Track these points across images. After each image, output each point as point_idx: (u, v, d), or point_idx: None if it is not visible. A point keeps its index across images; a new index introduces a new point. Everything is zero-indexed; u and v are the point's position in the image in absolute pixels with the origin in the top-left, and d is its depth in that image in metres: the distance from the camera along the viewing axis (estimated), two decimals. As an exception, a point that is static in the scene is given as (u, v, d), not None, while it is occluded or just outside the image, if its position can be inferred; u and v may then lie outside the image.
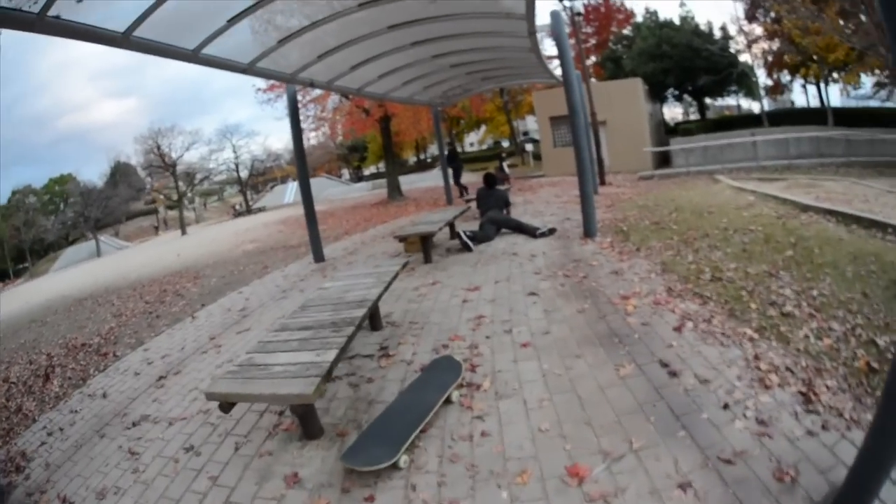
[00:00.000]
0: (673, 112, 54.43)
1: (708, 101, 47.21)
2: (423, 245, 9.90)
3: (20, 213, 73.91)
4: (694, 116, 50.34)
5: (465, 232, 10.29)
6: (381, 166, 71.11)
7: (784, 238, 8.34)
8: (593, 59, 45.59)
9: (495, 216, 11.14)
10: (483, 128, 63.65)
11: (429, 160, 72.11)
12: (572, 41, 37.51)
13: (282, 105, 31.86)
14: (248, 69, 8.97)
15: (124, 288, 17.73)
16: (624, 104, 27.61)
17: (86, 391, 7.22)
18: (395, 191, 31.01)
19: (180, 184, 59.23)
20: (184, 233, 49.77)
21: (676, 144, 27.67)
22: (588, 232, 9.74)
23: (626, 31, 45.72)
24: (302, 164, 12.59)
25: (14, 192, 78.36)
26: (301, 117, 30.75)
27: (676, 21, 40.98)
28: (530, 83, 28.57)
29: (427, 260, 9.86)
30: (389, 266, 7.32)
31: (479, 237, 10.53)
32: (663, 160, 27.78)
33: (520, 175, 32.06)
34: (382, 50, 10.85)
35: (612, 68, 43.14)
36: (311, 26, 8.55)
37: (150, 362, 7.64)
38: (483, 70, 15.18)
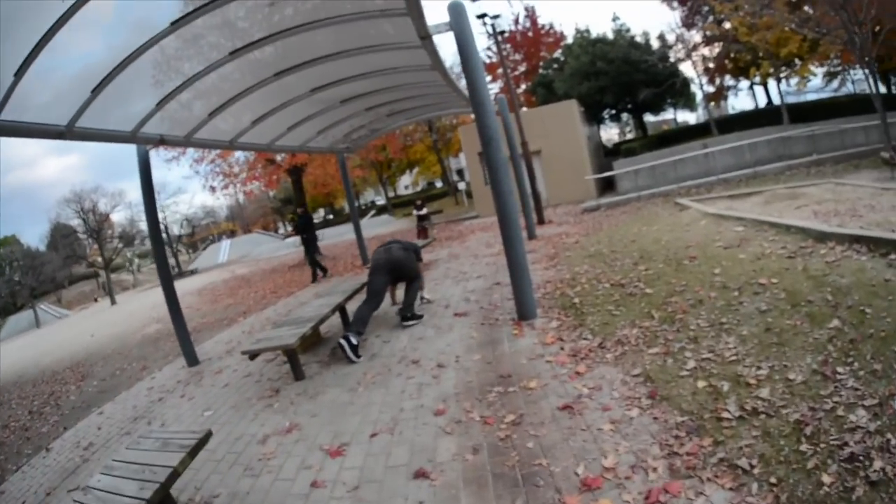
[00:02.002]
0: (609, 133, 52.70)
1: (647, 117, 45.10)
2: (288, 359, 7.17)
3: (-40, 278, 71.19)
4: (632, 135, 48.55)
5: (347, 338, 7.32)
6: (318, 216, 69.66)
7: (815, 294, 5.45)
8: (523, 86, 43.63)
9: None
10: (416, 169, 62.31)
11: (364, 206, 70.15)
12: (499, 71, 35.93)
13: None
14: (130, 138, 8.16)
15: (29, 381, 16.30)
16: (559, 130, 24.92)
17: None
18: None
19: (117, 245, 57.44)
20: (113, 302, 47.09)
21: (621, 167, 24.38)
22: (523, 313, 6.94)
23: (557, 55, 43.07)
24: (158, 241, 10.49)
25: None
26: (207, 176, 29.03)
27: (610, 36, 38.41)
28: (449, 114, 25.50)
29: (297, 376, 7.16)
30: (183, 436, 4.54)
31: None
32: (607, 186, 25.15)
33: (451, 218, 29.58)
34: (264, 99, 9.48)
35: (544, 94, 40.11)
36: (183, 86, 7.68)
37: None
38: (385, 104, 12.38)
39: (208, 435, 4.44)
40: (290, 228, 49.01)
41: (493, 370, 5.47)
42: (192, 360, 10.01)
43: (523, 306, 6.93)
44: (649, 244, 9.47)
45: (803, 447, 3.22)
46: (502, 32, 23.50)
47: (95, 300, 64.54)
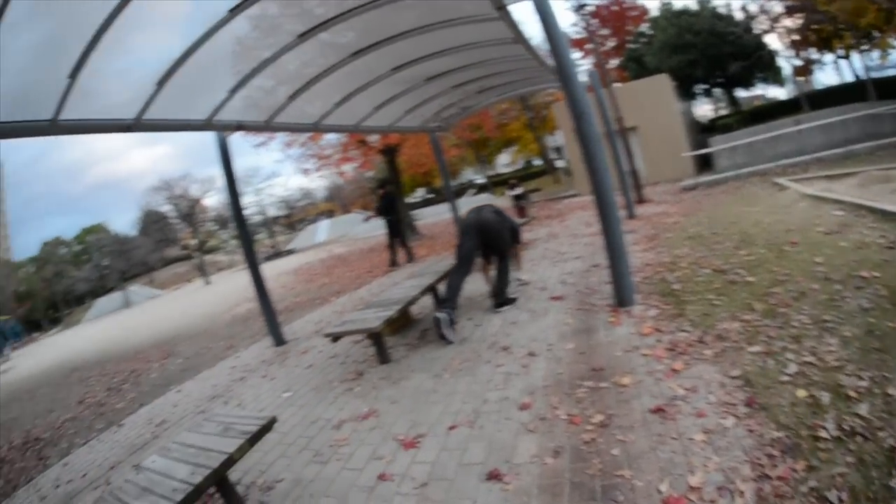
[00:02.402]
0: (702, 109, 50.82)
1: (738, 92, 43.00)
2: (373, 342, 6.91)
3: (50, 265, 74.55)
4: (725, 111, 46.71)
5: (445, 313, 6.88)
6: (417, 196, 69.50)
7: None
8: (615, 62, 42.47)
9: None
10: (513, 148, 61.53)
11: (463, 186, 69.58)
12: (588, 46, 34.91)
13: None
14: (205, 126, 8.40)
15: (112, 359, 16.78)
16: (654, 105, 23.79)
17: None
18: (407, 229, 27.41)
19: (211, 228, 58.77)
20: (207, 283, 48.57)
21: (718, 143, 22.72)
22: (621, 299, 6.38)
23: (644, 28, 41.53)
24: (242, 224, 10.07)
25: (45, 244, 79.22)
26: (299, 159, 29.08)
27: (694, 7, 36.69)
28: (540, 90, 24.28)
29: (383, 360, 6.88)
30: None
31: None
32: (704, 164, 23.75)
33: (550, 196, 28.73)
34: (345, 80, 9.27)
35: (635, 68, 38.86)
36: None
37: (44, 497, 6.22)
38: (473, 81, 11.91)
39: (272, 422, 4.26)
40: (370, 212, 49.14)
41: (586, 362, 5.01)
42: (279, 339, 9.90)
43: (621, 292, 6.39)
44: (750, 227, 8.77)
45: (893, 483, 2.77)
46: (584, 5, 22.51)
47: (190, 280, 66.60)
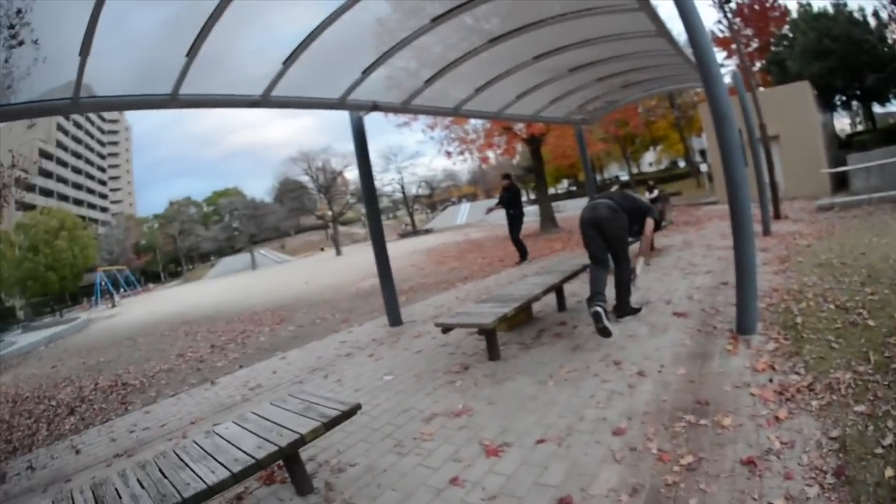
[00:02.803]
0: (841, 122, 48.10)
1: (875, 107, 39.42)
2: (485, 337, 6.78)
3: (176, 223, 77.48)
4: (862, 126, 43.99)
5: (599, 307, 6.45)
6: (561, 188, 68.94)
7: None
8: (758, 64, 40.74)
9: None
10: (659, 147, 60.46)
11: (608, 181, 68.43)
12: (733, 46, 33.45)
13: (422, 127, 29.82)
14: (338, 104, 8.57)
15: (224, 317, 17.85)
16: (794, 115, 22.39)
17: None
18: (547, 221, 27.61)
19: (349, 200, 60.02)
20: (338, 253, 50.83)
21: (854, 162, 20.50)
22: (742, 326, 5.98)
23: (786, 30, 38.87)
24: (372, 202, 10.28)
25: (171, 203, 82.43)
26: (442, 141, 29.20)
27: (830, 10, 33.83)
28: (685, 88, 22.86)
29: (492, 356, 6.73)
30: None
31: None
32: (840, 183, 22.00)
33: (690, 201, 27.93)
34: (485, 66, 9.23)
35: (778, 73, 36.45)
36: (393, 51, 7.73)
37: (114, 439, 6.65)
38: (617, 74, 11.59)
39: (355, 409, 4.25)
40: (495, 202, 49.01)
41: (693, 392, 4.74)
42: (396, 319, 10.01)
43: (744, 318, 5.99)
44: (878, 261, 8.09)
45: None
46: (728, 1, 21.33)
47: (322, 249, 68.93)
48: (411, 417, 5.36)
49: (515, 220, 15.71)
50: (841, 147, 30.08)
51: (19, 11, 4.99)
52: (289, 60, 6.78)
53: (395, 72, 8.53)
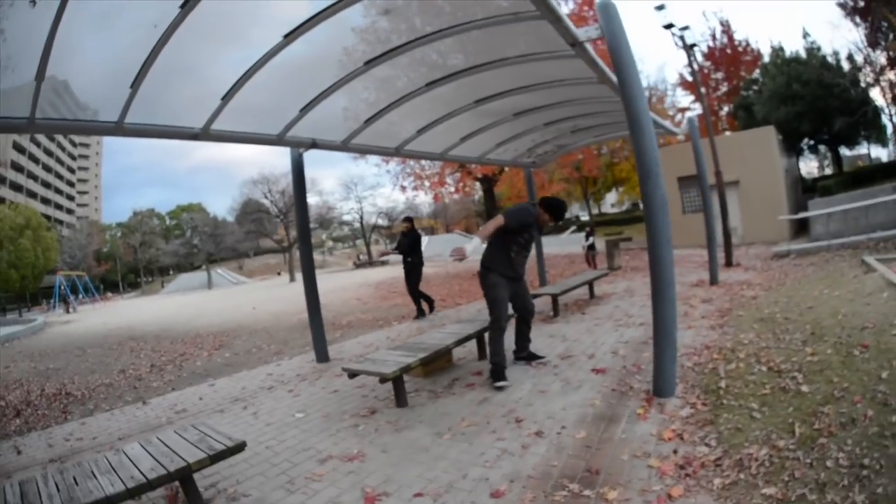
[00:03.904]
0: (808, 166, 48.76)
1: (842, 150, 40.61)
2: (393, 386, 6.79)
3: (138, 234, 77.49)
4: (829, 170, 44.56)
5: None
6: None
7: None
8: (726, 108, 41.29)
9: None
10: (621, 188, 61.10)
11: (568, 222, 69.05)
12: (703, 90, 33.75)
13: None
14: (276, 141, 8.71)
15: (170, 336, 18.11)
16: (757, 160, 22.76)
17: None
18: None
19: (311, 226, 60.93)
20: (292, 279, 51.41)
21: (815, 207, 20.55)
22: (659, 388, 5.78)
23: (756, 75, 39.91)
24: (305, 239, 10.36)
25: (135, 213, 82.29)
26: (397, 175, 29.38)
27: (803, 55, 34.91)
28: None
29: (399, 403, 6.76)
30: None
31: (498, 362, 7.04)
32: (801, 227, 22.39)
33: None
34: (426, 108, 9.34)
35: (745, 117, 37.42)
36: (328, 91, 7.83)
37: (51, 445, 7.03)
38: (565, 119, 11.52)
39: (241, 446, 4.61)
40: (390, 246, 48.49)
41: (586, 459, 4.52)
42: (323, 356, 10.04)
43: (660, 381, 5.78)
44: (826, 316, 7.82)
45: None
46: (693, 45, 21.38)
47: (278, 273, 69.69)
48: (309, 457, 5.48)
49: (414, 269, 13.94)
50: (805, 191, 30.47)
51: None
52: (227, 97, 6.93)
53: (334, 110, 8.56)
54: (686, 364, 6.50)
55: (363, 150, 10.73)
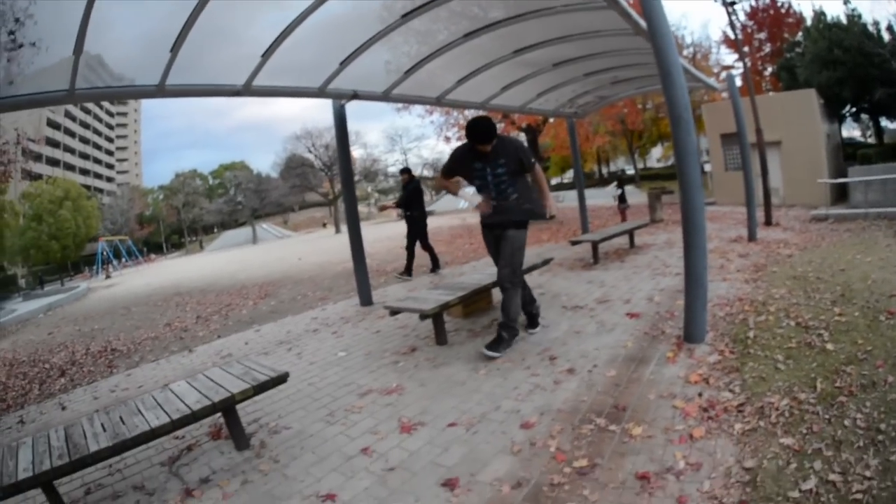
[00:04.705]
0: (851, 134, 47.36)
1: (883, 122, 38.90)
2: (434, 323, 6.94)
3: (180, 195, 77.74)
4: (872, 140, 43.35)
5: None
6: (567, 177, 68.58)
7: None
8: (770, 69, 40.31)
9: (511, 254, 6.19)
10: (666, 143, 60.25)
11: (612, 175, 67.96)
12: (746, 48, 33.06)
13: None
14: (317, 93, 8.79)
15: (215, 290, 18.26)
16: (798, 122, 22.06)
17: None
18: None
19: (355, 179, 61.01)
20: (337, 231, 51.64)
21: (855, 175, 19.64)
22: (689, 334, 5.79)
23: (799, 37, 38.11)
24: (349, 187, 10.33)
25: (177, 175, 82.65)
26: (441, 127, 29.14)
27: (844, 21, 32.92)
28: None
29: (439, 341, 6.94)
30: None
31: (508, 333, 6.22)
32: (841, 194, 21.47)
33: None
34: (465, 59, 9.37)
35: (787, 79, 36.14)
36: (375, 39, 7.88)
37: (96, 397, 7.12)
38: (604, 70, 11.49)
39: (284, 376, 4.66)
40: (389, 200, 47.43)
41: (614, 396, 4.60)
42: (367, 300, 10.20)
43: (690, 327, 5.80)
44: (856, 279, 7.72)
45: None
46: (733, 3, 20.74)
47: (323, 226, 69.27)
48: (349, 391, 5.67)
49: (417, 224, 12.93)
50: (847, 158, 29.72)
51: (17, 20, 5.67)
52: (267, 53, 7.11)
53: (374, 63, 8.63)
54: (718, 314, 6.49)
55: (404, 100, 10.82)
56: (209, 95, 7.99)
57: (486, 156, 5.99)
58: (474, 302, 7.77)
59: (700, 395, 4.44)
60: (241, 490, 4.01)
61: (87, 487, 4.36)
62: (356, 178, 64.54)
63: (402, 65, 9.00)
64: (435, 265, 13.32)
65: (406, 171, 13.72)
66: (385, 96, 9.59)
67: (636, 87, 13.99)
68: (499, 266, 6.24)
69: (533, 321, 6.81)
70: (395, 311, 7.14)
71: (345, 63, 8.04)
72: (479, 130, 5.86)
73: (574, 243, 11.64)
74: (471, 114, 26.68)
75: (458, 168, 6.32)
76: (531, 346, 6.27)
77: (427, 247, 13.14)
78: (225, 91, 7.75)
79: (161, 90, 6.83)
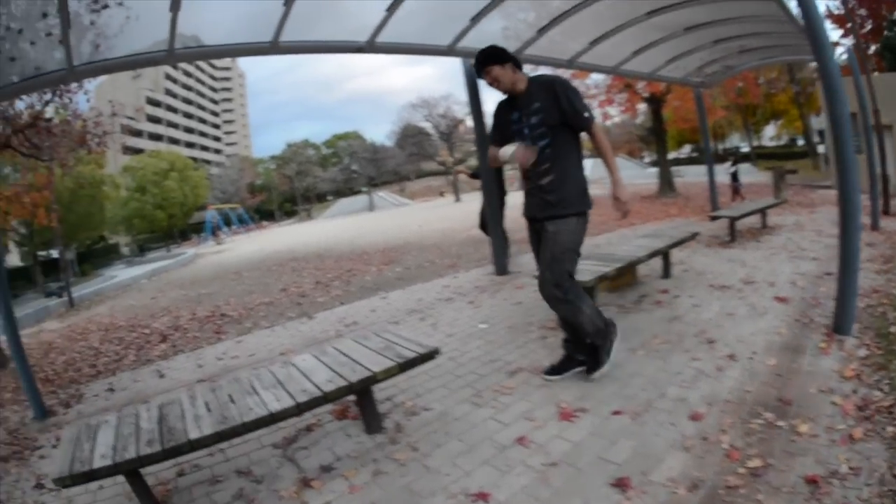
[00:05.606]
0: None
1: None
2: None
3: (293, 164, 79.26)
4: None
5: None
6: (684, 152, 67.21)
7: None
8: (873, 48, 38.16)
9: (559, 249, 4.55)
10: (779, 122, 58.19)
11: (728, 151, 65.81)
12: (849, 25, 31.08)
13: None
14: (446, 51, 8.70)
15: (333, 256, 18.32)
16: None
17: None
18: (665, 185, 27.18)
19: (472, 148, 61.48)
20: (457, 199, 52.15)
21: None
22: (839, 324, 5.49)
23: None
24: (483, 147, 9.80)
25: (289, 145, 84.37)
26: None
27: None
28: (802, 60, 20.98)
29: None
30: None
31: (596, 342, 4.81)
32: None
33: (806, 182, 26.22)
34: (600, 19, 8.98)
35: (891, 58, 33.52)
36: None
37: (200, 365, 6.99)
38: (733, 38, 11.09)
39: (433, 353, 4.22)
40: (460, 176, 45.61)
41: (777, 388, 4.36)
42: (502, 268, 10.02)
43: (841, 316, 5.49)
44: None
45: None
46: None
47: (441, 194, 69.63)
48: (496, 369, 5.33)
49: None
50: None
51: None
52: (392, 7, 6.88)
53: (507, 19, 8.50)
54: (858, 305, 6.04)
55: (536, 61, 10.41)
56: (328, 52, 7.79)
57: (521, 102, 4.64)
58: (621, 275, 7.40)
59: (855, 391, 4.18)
60: (372, 482, 3.59)
61: (181, 468, 4.06)
62: (474, 147, 65.38)
63: (534, 23, 8.74)
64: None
65: None
66: (517, 56, 9.35)
67: (761, 57, 13.45)
68: (539, 272, 4.76)
69: (595, 358, 4.85)
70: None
71: (476, 19, 7.82)
72: (479, 58, 4.69)
73: (714, 218, 11.50)
74: (593, 84, 26.07)
75: (499, 125, 4.88)
76: (686, 327, 6.04)
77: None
78: (346, 47, 7.57)
79: (275, 47, 6.66)
